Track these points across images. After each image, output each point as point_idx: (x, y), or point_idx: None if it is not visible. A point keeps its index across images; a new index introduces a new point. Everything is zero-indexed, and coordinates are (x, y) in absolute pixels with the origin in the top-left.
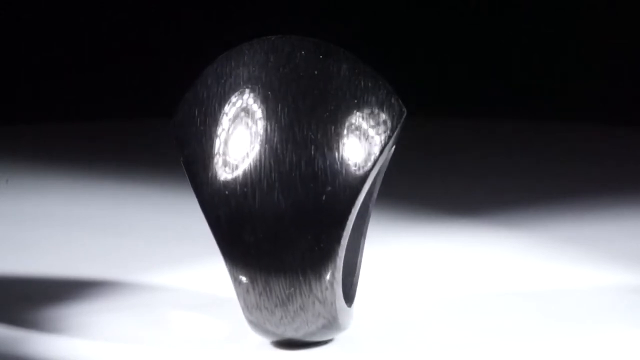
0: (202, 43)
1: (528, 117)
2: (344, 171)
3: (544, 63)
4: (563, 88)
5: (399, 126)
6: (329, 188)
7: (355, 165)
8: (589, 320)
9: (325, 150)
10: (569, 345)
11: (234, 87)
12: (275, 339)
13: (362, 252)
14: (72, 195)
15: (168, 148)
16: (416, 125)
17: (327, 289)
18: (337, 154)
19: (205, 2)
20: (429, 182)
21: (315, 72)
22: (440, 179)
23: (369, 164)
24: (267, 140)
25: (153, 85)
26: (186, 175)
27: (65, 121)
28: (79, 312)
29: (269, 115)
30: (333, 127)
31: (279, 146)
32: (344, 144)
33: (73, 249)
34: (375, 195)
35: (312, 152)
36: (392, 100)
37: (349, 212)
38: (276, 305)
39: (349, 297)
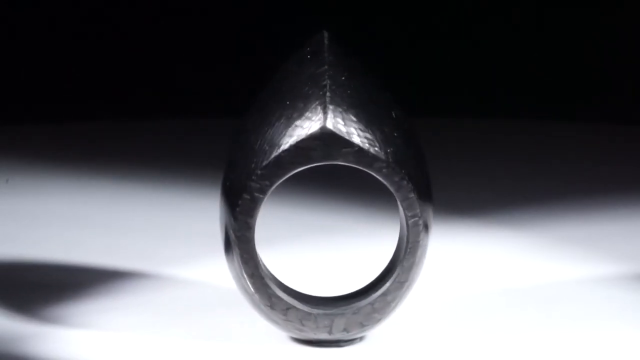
0: (203, 43)
1: (528, 117)
2: (241, 165)
3: (544, 63)
4: (563, 88)
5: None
6: (231, 176)
7: (248, 164)
8: (589, 320)
9: (241, 141)
10: (569, 345)
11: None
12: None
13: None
14: (73, 194)
15: (170, 148)
16: (416, 125)
17: (243, 278)
18: (243, 149)
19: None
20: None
21: (296, 70)
22: (440, 179)
23: (262, 165)
24: (239, 123)
25: (155, 85)
26: None
27: (66, 121)
28: (83, 311)
29: (253, 102)
30: (256, 123)
31: (237, 130)
32: (251, 141)
33: (75, 249)
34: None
35: (236, 142)
36: (317, 112)
37: (236, 204)
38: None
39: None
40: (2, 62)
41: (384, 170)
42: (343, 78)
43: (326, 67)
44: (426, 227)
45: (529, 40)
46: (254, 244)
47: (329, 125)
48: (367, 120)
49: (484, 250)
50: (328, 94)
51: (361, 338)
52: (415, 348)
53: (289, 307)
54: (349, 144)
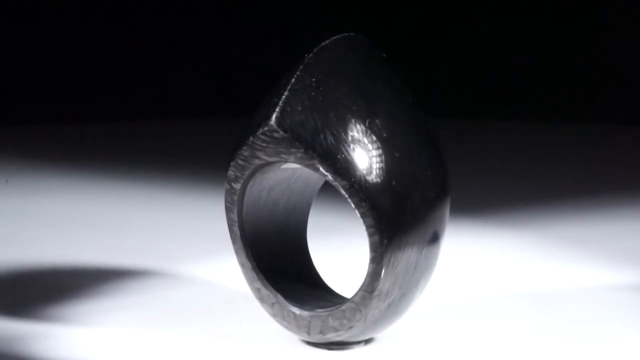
0: (203, 44)
1: (528, 118)
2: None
3: (544, 63)
4: (563, 88)
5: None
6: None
7: (230, 156)
8: (589, 321)
9: None
10: (569, 346)
11: None
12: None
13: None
14: (73, 195)
15: (170, 149)
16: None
17: (240, 265)
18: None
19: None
20: None
21: (289, 70)
22: None
23: (234, 156)
24: None
25: (155, 86)
26: None
27: (66, 122)
28: (84, 311)
29: None
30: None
31: None
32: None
33: (76, 248)
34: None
35: None
36: (271, 110)
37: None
38: None
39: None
40: (2, 63)
41: (330, 175)
42: (313, 80)
43: (301, 67)
44: (395, 244)
45: (530, 41)
46: (243, 234)
47: (275, 124)
48: (322, 124)
49: (483, 251)
50: (286, 93)
51: (366, 342)
52: (419, 350)
53: (274, 303)
54: (294, 144)
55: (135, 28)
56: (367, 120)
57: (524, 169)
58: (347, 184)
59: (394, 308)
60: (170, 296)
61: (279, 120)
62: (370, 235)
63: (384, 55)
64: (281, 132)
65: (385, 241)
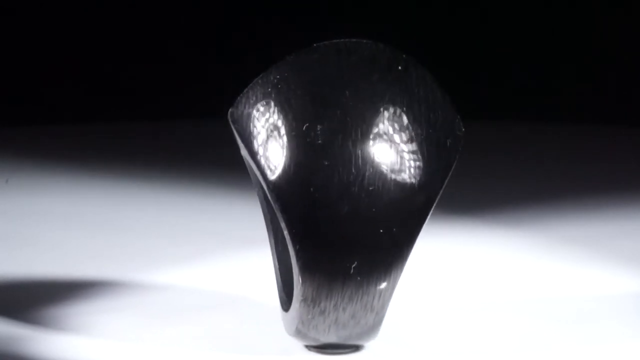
0: (204, 44)
1: (528, 118)
2: None
3: (543, 63)
4: (562, 88)
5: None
6: None
7: None
8: (589, 321)
9: None
10: (568, 346)
11: None
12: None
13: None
14: (73, 194)
15: (171, 149)
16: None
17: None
18: None
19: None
20: None
21: None
22: None
23: None
24: None
25: (155, 86)
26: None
27: (66, 123)
28: (81, 312)
29: None
30: None
31: None
32: None
33: (75, 248)
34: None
35: None
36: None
37: None
38: None
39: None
40: (2, 63)
41: (257, 173)
42: (277, 77)
43: (275, 63)
44: (308, 252)
45: (528, 41)
46: (268, 219)
47: (229, 115)
48: (263, 122)
49: (483, 251)
50: (248, 87)
51: (358, 347)
52: (417, 352)
53: (279, 294)
54: (240, 137)
55: (135, 28)
56: (306, 125)
57: (524, 169)
58: (266, 184)
59: (335, 319)
60: (170, 297)
61: (232, 112)
62: (286, 239)
63: (400, 67)
64: (232, 124)
65: (298, 246)
